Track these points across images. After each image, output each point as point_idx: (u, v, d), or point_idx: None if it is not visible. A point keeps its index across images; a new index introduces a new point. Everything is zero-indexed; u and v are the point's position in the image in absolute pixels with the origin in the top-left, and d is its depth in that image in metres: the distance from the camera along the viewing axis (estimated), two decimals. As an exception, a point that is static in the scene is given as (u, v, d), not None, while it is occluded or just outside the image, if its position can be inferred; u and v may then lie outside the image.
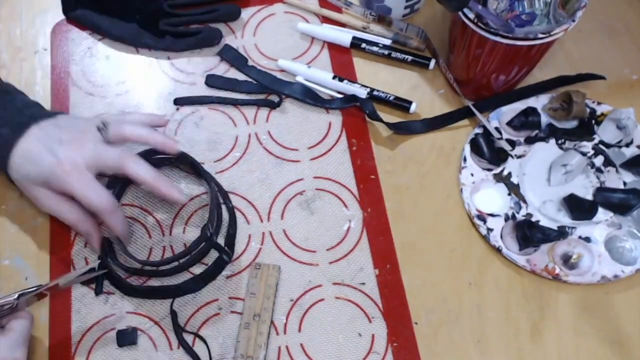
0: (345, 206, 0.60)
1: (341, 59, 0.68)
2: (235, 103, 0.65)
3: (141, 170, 0.54)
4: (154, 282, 0.57)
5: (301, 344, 0.55)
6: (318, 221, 0.60)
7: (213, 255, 0.58)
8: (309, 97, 0.65)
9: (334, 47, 0.68)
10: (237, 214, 0.60)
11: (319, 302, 0.56)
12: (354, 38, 0.67)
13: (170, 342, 0.55)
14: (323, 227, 0.59)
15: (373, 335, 0.55)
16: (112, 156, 0.54)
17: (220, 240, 0.58)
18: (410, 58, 0.66)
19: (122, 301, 0.56)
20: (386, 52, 0.67)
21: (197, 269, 0.57)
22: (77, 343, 0.55)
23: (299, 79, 0.66)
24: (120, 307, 0.56)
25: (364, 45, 0.67)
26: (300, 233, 0.59)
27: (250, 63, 0.67)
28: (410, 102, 0.64)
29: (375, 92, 0.64)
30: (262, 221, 0.60)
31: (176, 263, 0.56)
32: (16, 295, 0.50)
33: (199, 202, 0.60)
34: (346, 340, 0.55)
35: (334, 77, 0.65)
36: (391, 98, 0.64)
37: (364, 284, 0.57)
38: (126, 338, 0.55)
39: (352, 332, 0.55)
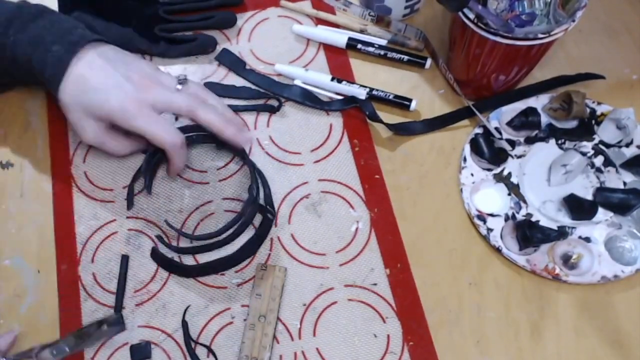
0: (352, 207, 0.60)
1: (338, 61, 0.67)
2: (234, 110, 0.64)
3: (211, 117, 0.56)
4: (204, 258, 0.58)
5: (317, 349, 0.54)
6: (326, 224, 0.59)
7: (257, 219, 0.59)
8: (308, 99, 0.65)
9: (330, 49, 0.68)
10: None
11: (332, 305, 0.56)
12: (350, 39, 0.67)
13: (184, 354, 0.54)
14: (331, 230, 0.59)
15: (388, 336, 0.55)
16: (184, 102, 0.55)
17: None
18: (406, 58, 0.66)
19: (133, 315, 0.56)
20: (382, 52, 0.67)
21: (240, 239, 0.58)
22: None
23: (297, 82, 0.65)
24: (131, 320, 0.55)
25: (359, 46, 0.67)
26: (309, 237, 0.59)
27: (247, 67, 0.67)
28: (410, 100, 0.64)
29: (374, 92, 0.64)
30: None
31: (231, 230, 0.57)
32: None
33: (202, 213, 0.60)
34: (362, 342, 0.55)
35: (332, 79, 0.65)
36: (391, 97, 0.64)
37: (375, 284, 0.57)
38: (140, 352, 0.54)
39: (368, 334, 0.55)
